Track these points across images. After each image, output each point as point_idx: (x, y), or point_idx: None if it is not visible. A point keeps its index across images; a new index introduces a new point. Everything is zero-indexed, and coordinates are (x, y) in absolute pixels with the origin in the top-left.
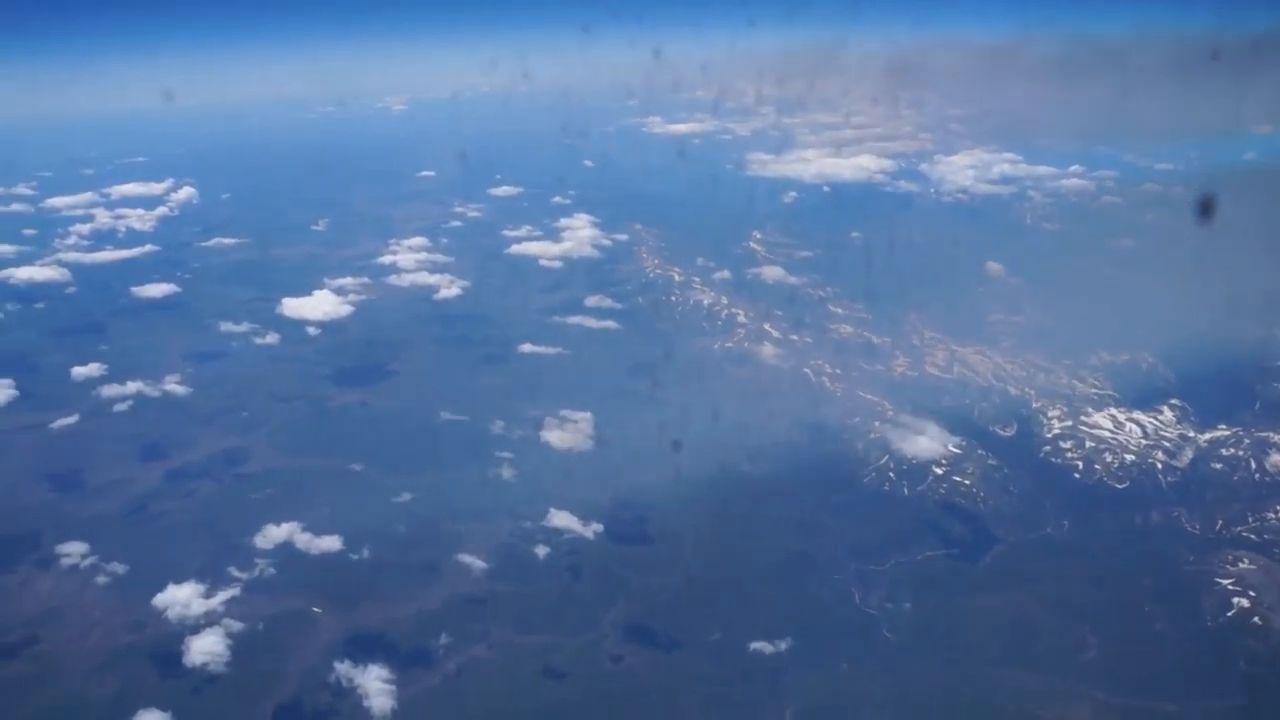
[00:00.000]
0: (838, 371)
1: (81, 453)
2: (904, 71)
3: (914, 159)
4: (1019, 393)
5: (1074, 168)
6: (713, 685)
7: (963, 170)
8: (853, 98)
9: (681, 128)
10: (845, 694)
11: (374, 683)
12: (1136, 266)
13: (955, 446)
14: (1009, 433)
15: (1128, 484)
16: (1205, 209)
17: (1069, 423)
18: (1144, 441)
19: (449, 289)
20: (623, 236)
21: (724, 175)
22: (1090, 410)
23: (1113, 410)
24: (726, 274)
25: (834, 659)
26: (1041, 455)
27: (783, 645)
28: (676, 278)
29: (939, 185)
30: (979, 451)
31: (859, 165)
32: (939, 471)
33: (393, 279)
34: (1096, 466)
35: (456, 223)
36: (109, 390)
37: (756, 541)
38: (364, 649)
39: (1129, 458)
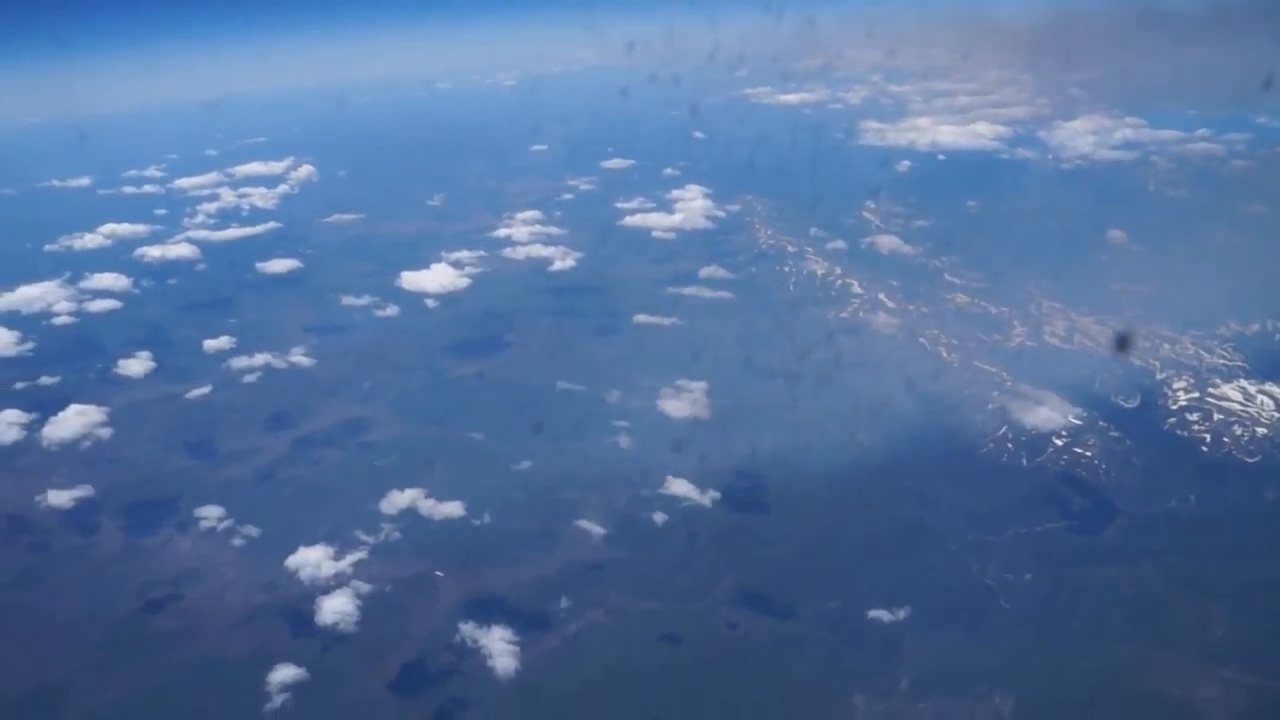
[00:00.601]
0: (954, 342)
1: (214, 421)
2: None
3: (1031, 125)
4: (1142, 364)
5: (1201, 131)
6: (828, 652)
7: (1082, 136)
8: (969, 64)
9: (791, 97)
10: (962, 663)
11: (498, 643)
12: (1269, 233)
13: (1076, 418)
14: (1132, 404)
15: (1259, 458)
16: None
17: (1195, 395)
18: (1276, 415)
19: (563, 261)
20: (735, 207)
21: (836, 145)
22: (1218, 382)
23: (1243, 382)
24: (840, 244)
25: (951, 628)
26: (1166, 428)
27: (901, 614)
28: (789, 248)
29: (1057, 152)
30: (1100, 423)
31: (974, 133)
32: (1059, 443)
33: (507, 252)
34: (1225, 440)
35: (569, 196)
36: (239, 362)
37: (872, 511)
38: (485, 612)
39: (1260, 431)
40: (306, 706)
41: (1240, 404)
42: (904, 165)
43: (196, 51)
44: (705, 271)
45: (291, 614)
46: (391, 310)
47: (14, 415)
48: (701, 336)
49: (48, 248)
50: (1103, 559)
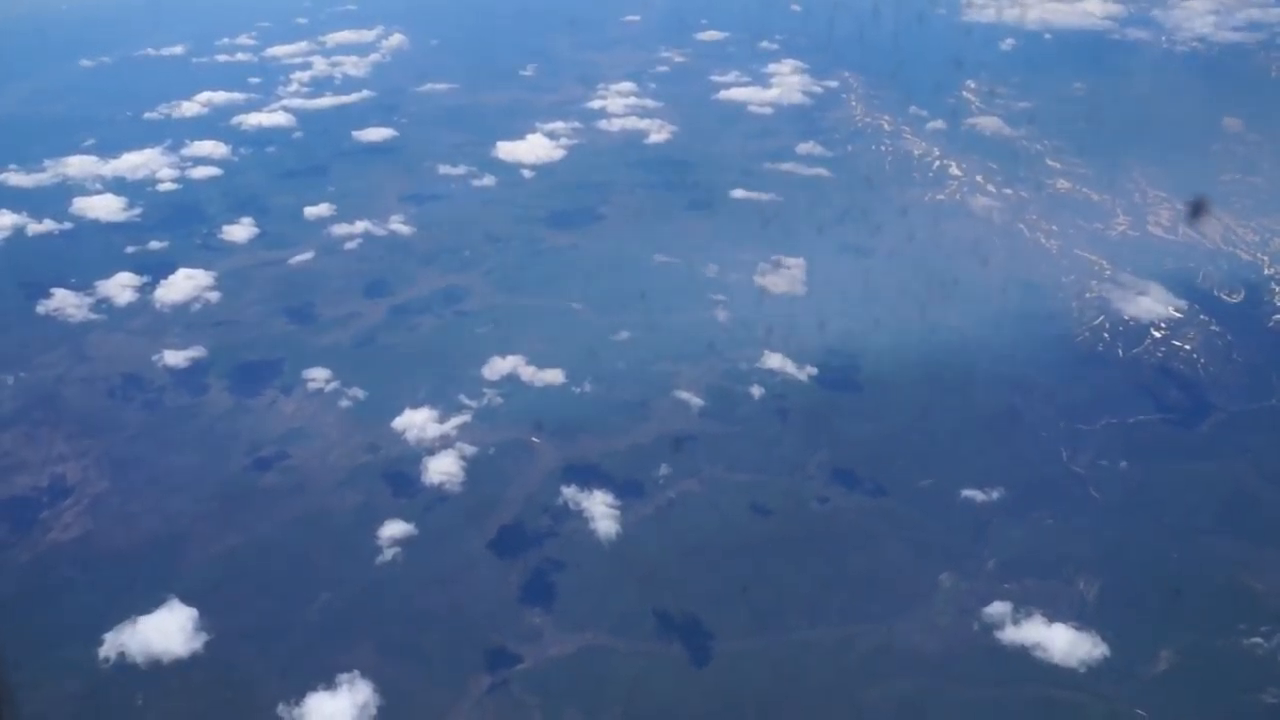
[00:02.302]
0: (1054, 228)
1: (315, 287)
2: None
3: (1146, 4)
4: (1250, 258)
5: None
6: (916, 530)
7: (1202, 16)
8: None
9: None
10: (1049, 549)
11: (599, 507)
12: None
13: (1176, 310)
14: (1236, 299)
15: None
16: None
17: None
18: None
19: (659, 134)
20: (832, 83)
21: (937, 20)
22: None
23: None
24: (939, 124)
25: (1039, 513)
26: (1271, 325)
27: (994, 494)
28: (887, 126)
29: (1173, 34)
30: (1201, 316)
31: (1084, 10)
32: (1157, 335)
33: (602, 124)
34: None
35: (663, 68)
36: (339, 229)
37: (964, 395)
38: (585, 477)
39: None
40: (415, 561)
41: None
42: (1008, 43)
43: None
44: (802, 148)
45: (396, 474)
46: (488, 180)
47: (126, 278)
48: (799, 213)
49: (147, 115)
50: (1197, 453)
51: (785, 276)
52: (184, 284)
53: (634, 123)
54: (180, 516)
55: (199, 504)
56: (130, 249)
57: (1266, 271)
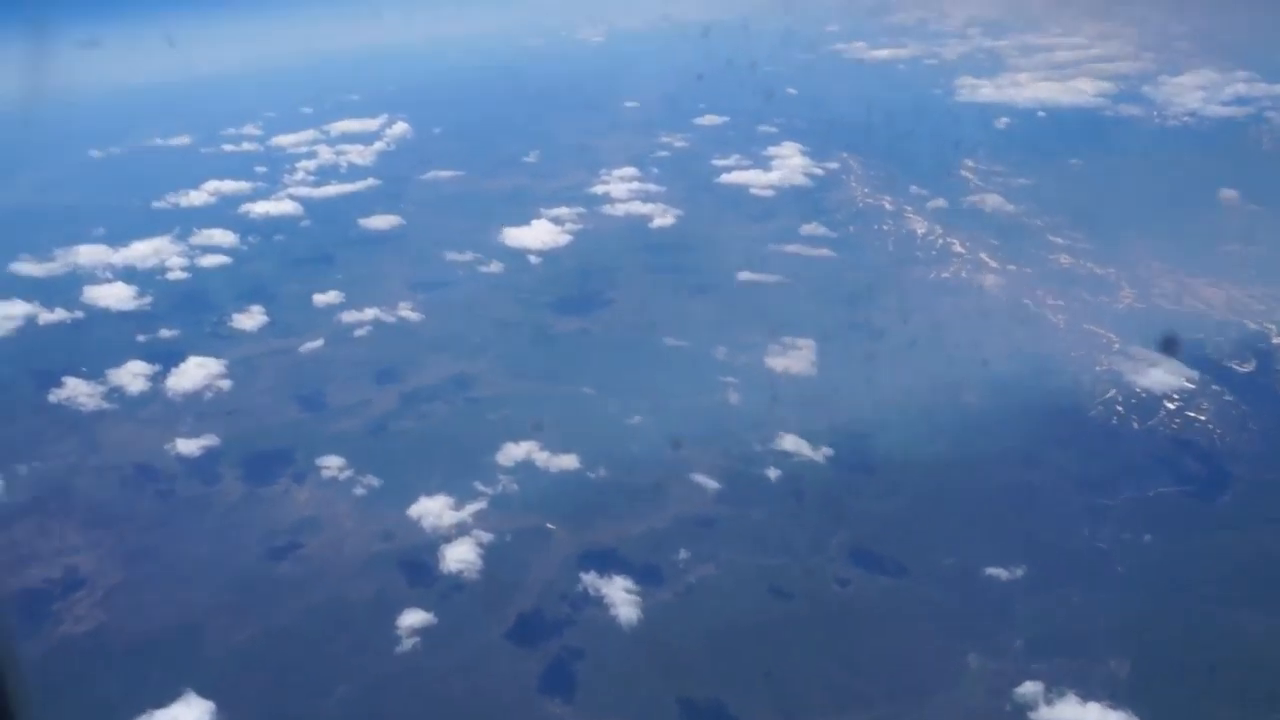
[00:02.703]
0: (1060, 303)
1: (325, 375)
2: None
3: (1136, 81)
4: (1257, 327)
5: None
6: (940, 611)
7: (1190, 92)
8: (1068, 16)
9: (885, 53)
10: (1077, 626)
11: (620, 593)
12: None
13: (1188, 381)
14: (1247, 368)
15: None
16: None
17: None
18: None
19: (663, 218)
20: (832, 165)
21: (932, 101)
22: None
23: None
24: (941, 202)
25: (1064, 590)
26: None
27: (1018, 572)
28: (888, 206)
29: (1164, 109)
30: (1214, 386)
31: (1076, 89)
32: (1170, 406)
33: (606, 208)
34: None
35: (664, 153)
36: (348, 316)
37: (980, 472)
38: (604, 563)
39: None
40: (434, 650)
41: None
42: (1003, 122)
43: (288, 12)
44: (805, 229)
45: (413, 562)
46: (495, 266)
47: (138, 367)
48: (805, 294)
49: (156, 205)
50: (1220, 525)
51: (795, 358)
52: (195, 372)
53: (637, 207)
54: (195, 607)
55: (213, 595)
56: (141, 337)
57: (1275, 340)
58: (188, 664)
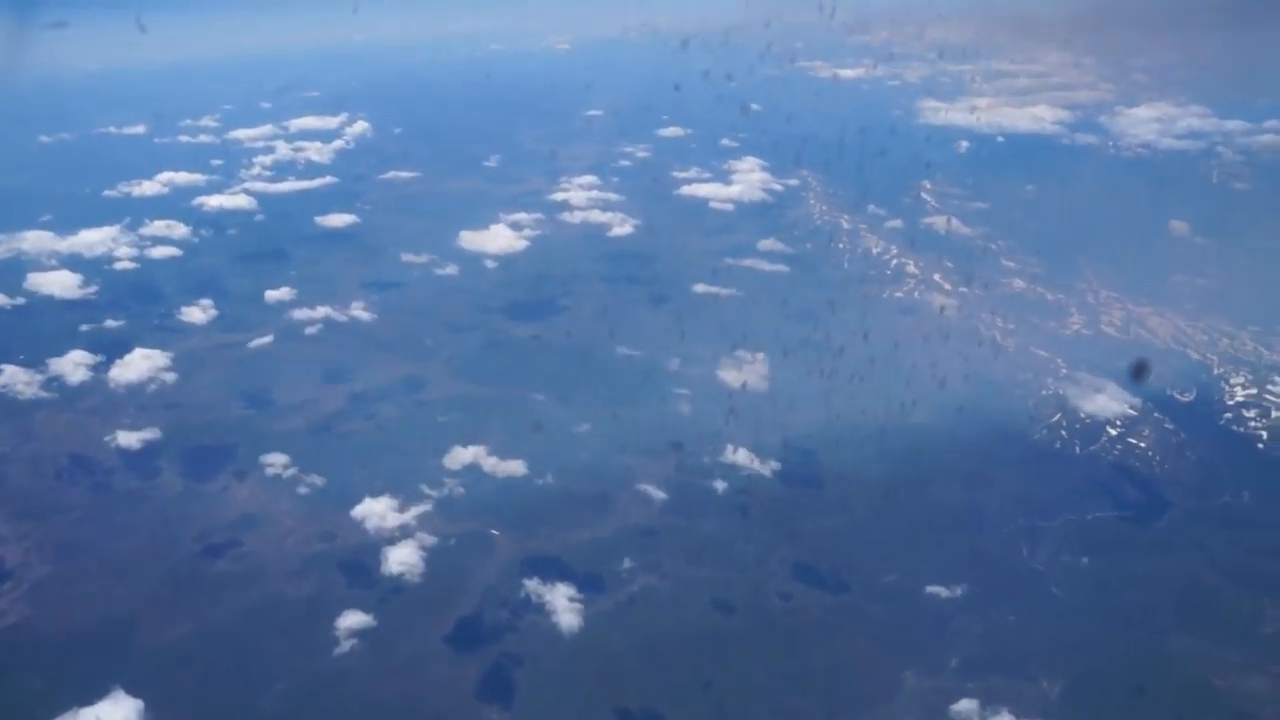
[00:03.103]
0: (1010, 326)
1: (273, 371)
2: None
3: (1093, 110)
4: (1200, 357)
5: (1270, 123)
6: (878, 628)
7: (1145, 123)
8: (1030, 44)
9: (849, 73)
10: (1013, 646)
11: (561, 600)
12: None
13: (1131, 408)
14: (1188, 398)
15: None
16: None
17: (1253, 391)
18: None
19: (621, 227)
20: (792, 182)
21: (894, 122)
22: (1277, 379)
23: None
24: (897, 223)
25: (1000, 611)
26: (1222, 423)
27: (958, 591)
28: (846, 225)
29: (1119, 139)
30: (1155, 414)
31: (1035, 115)
32: (1113, 433)
33: (565, 216)
34: None
35: (625, 162)
36: (300, 314)
37: (925, 491)
38: (547, 570)
39: None
40: (373, 653)
41: None
42: (962, 146)
43: (253, 4)
44: (763, 244)
45: (355, 563)
46: (451, 269)
47: (80, 356)
48: (761, 308)
49: (107, 193)
50: (1155, 550)
51: (748, 371)
52: (140, 364)
53: (596, 215)
54: (126, 603)
55: (146, 590)
56: (85, 327)
57: (1216, 371)
58: (117, 661)
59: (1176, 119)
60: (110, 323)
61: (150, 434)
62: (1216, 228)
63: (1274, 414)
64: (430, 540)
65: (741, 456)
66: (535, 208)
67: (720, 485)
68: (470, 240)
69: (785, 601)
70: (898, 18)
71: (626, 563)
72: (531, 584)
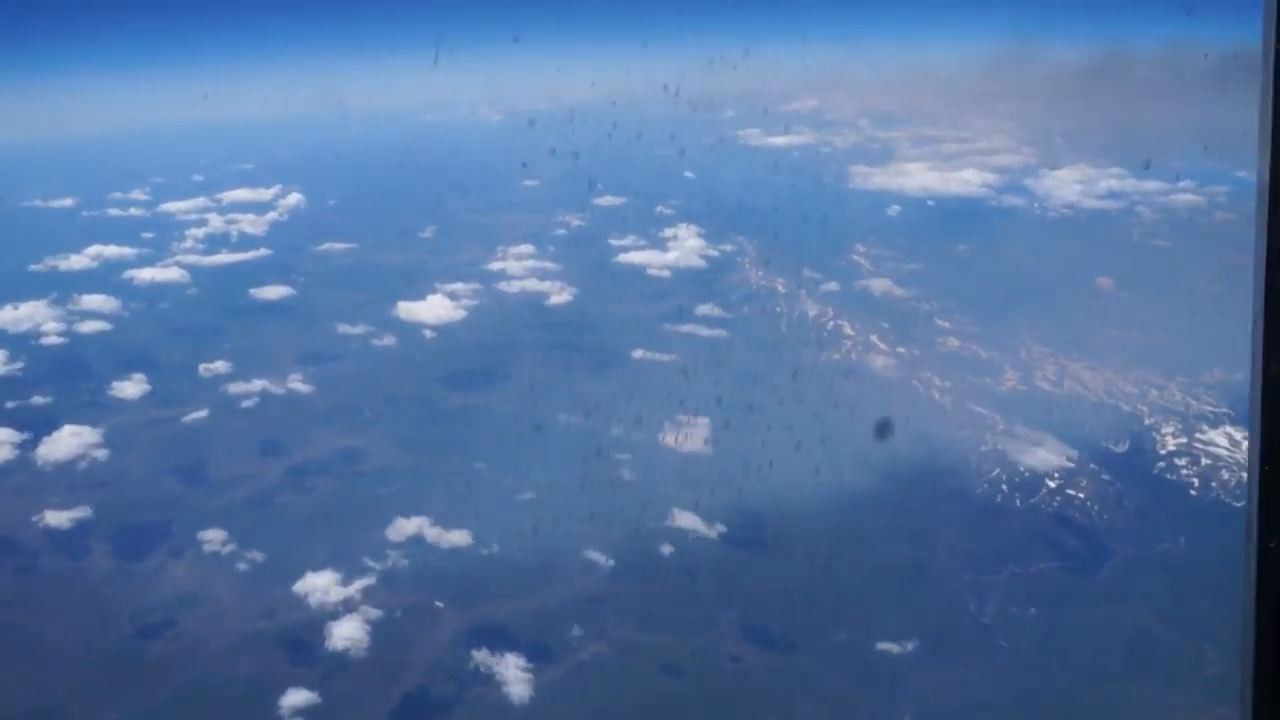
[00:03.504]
0: (947, 384)
1: (209, 446)
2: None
3: (1018, 174)
4: (1131, 409)
5: (1184, 183)
6: (831, 686)
7: (1069, 185)
8: (954, 110)
9: (780, 140)
10: (965, 700)
11: (510, 671)
12: (1250, 283)
13: (1068, 460)
14: (1122, 449)
15: (1245, 502)
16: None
17: (1183, 440)
18: None
19: (559, 296)
20: (728, 247)
21: (825, 188)
22: (1205, 428)
23: (1228, 428)
24: (833, 286)
25: (952, 665)
26: (1155, 472)
27: (909, 646)
28: (782, 289)
29: (1044, 200)
30: (1091, 465)
31: (963, 179)
32: (1051, 485)
33: (503, 285)
34: (1213, 484)
35: (561, 231)
36: (235, 387)
37: (870, 549)
38: (497, 640)
39: (1246, 476)
40: None
41: (1227, 449)
42: (894, 210)
43: (180, 75)
44: (701, 310)
45: (296, 639)
46: (388, 340)
47: (6, 434)
48: (700, 373)
49: (33, 268)
50: (1098, 599)
51: (689, 435)
52: (69, 441)
53: (534, 284)
54: (53, 689)
55: (75, 676)
56: (10, 404)
57: (1147, 421)
58: None
59: (1097, 180)
60: (37, 399)
61: (80, 513)
62: (1140, 283)
63: (1204, 462)
64: (375, 614)
65: (687, 520)
66: (472, 277)
67: (667, 549)
68: (408, 311)
69: (736, 664)
70: (825, 85)
71: (575, 630)
72: (479, 655)
